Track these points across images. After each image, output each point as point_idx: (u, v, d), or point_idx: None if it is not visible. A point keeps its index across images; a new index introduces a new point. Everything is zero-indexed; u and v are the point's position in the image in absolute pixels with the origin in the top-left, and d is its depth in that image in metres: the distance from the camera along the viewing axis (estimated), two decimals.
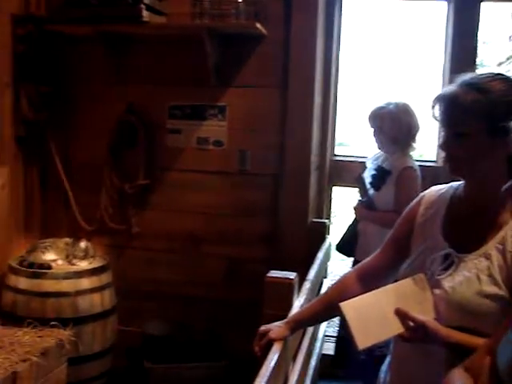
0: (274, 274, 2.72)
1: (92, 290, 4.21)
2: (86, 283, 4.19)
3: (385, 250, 2.15)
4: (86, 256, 4.38)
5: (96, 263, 4.39)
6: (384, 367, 2.20)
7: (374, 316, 1.86)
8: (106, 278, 4.36)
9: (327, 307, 2.22)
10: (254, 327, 2.37)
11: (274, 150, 4.43)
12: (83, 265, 4.31)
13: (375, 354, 3.35)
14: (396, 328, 1.82)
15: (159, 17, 4.35)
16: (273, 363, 2.02)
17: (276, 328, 2.27)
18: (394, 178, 3.83)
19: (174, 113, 4.60)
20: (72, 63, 4.76)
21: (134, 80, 4.66)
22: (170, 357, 4.29)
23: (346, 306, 1.87)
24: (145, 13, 4.17)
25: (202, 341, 4.51)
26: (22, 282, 4.11)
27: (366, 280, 2.14)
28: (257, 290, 4.12)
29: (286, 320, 2.33)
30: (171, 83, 4.59)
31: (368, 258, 2.20)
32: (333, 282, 2.34)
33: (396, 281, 1.99)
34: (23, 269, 4.16)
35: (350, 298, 1.92)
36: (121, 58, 4.63)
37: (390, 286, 1.96)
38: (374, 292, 1.92)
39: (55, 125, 4.69)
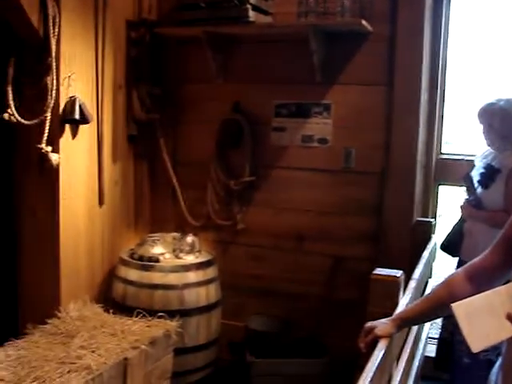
0: (380, 271, 2.70)
1: (198, 284, 4.33)
2: (192, 277, 4.32)
3: (495, 250, 2.08)
4: (192, 250, 4.51)
5: (202, 258, 4.51)
6: (495, 369, 2.14)
7: (486, 318, 1.80)
8: (211, 272, 4.47)
9: (435, 306, 2.18)
10: (356, 325, 2.37)
11: (380, 147, 4.38)
12: (190, 259, 4.45)
13: (480, 358, 3.25)
14: (510, 330, 1.77)
15: (265, 16, 4.42)
16: (378, 360, 2.01)
17: (382, 325, 2.25)
18: (503, 177, 3.69)
19: (280, 111, 4.65)
20: (180, 65, 4.92)
21: (240, 79, 4.76)
22: (272, 352, 4.34)
23: (458, 307, 1.83)
24: (251, 13, 4.25)
25: (303, 338, 4.54)
26: (132, 274, 4.30)
27: (475, 281, 2.08)
28: (360, 288, 4.11)
29: (392, 317, 2.31)
30: (277, 82, 4.64)
31: (477, 259, 2.14)
32: (439, 282, 2.29)
33: (508, 282, 1.93)
34: (133, 261, 4.35)
35: (459, 299, 1.87)
36: (227, 58, 4.74)
37: (502, 288, 1.89)
38: (485, 293, 1.86)
39: (164, 124, 4.86)
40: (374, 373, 1.89)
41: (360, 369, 1.94)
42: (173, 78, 4.92)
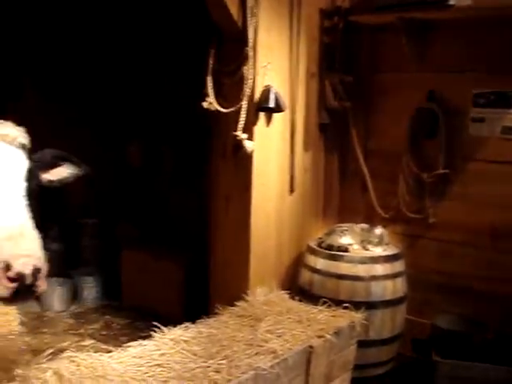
0: None
1: (385, 277, 4.24)
2: (379, 269, 4.24)
3: None
4: (380, 242, 4.43)
5: (390, 250, 4.42)
6: None
7: None
8: (398, 265, 4.36)
9: None
10: None
11: None
12: (378, 251, 4.37)
13: None
14: None
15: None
16: None
17: None
18: None
19: (478, 101, 4.38)
20: (373, 52, 4.84)
21: (436, 67, 4.56)
22: (460, 353, 4.13)
23: None
24: None
25: (495, 340, 4.26)
26: (320, 263, 4.32)
27: None
28: None
29: None
30: (476, 70, 4.38)
31: None
32: None
33: None
34: (321, 250, 4.36)
35: None
36: (423, 45, 4.55)
37: None
38: None
39: (355, 112, 4.81)
40: None
41: None
42: (365, 65, 4.86)
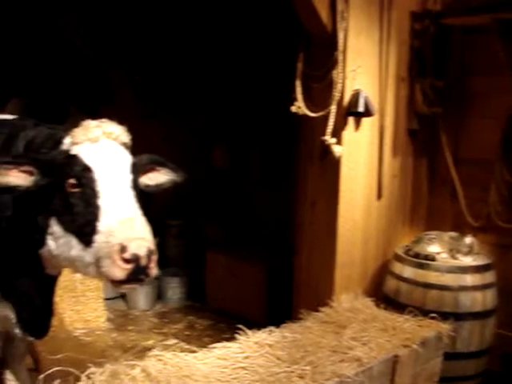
0: None
1: (474, 288, 4.10)
2: (469, 280, 4.10)
3: None
4: (470, 252, 4.28)
5: (480, 261, 4.27)
6: None
7: None
8: (489, 277, 4.21)
9: None
10: None
11: None
12: (467, 261, 4.23)
13: None
14: None
15: None
16: None
17: None
18: None
19: None
20: (465, 56, 4.70)
21: None
22: None
23: None
24: None
25: None
26: (407, 271, 4.22)
27: None
28: None
29: None
30: None
31: None
32: None
33: None
34: (408, 258, 4.26)
35: None
36: None
37: None
38: None
39: (447, 118, 4.68)
40: None
41: None
42: (457, 69, 4.71)
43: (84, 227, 2.56)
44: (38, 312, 3.23)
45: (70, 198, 2.61)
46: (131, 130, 2.85)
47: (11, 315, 3.21)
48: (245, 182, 6.56)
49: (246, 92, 6.39)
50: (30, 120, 3.17)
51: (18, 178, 2.68)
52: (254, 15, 5.84)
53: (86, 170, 2.60)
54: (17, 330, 3.26)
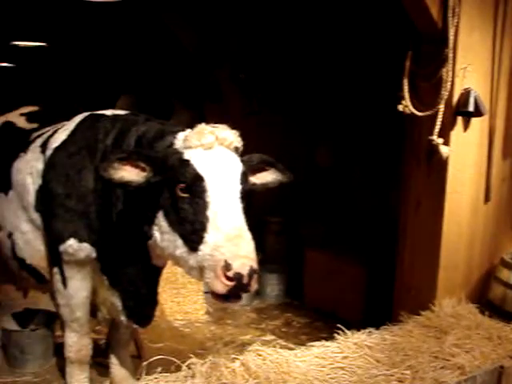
0: None
1: None
2: None
3: None
4: None
5: None
6: None
7: None
8: None
9: None
10: None
11: None
12: None
13: None
14: None
15: None
16: None
17: None
18: None
19: None
20: None
21: None
22: None
23: None
24: None
25: None
26: None
27: None
28: None
29: None
30: None
31: None
32: None
33: None
34: None
35: None
36: None
37: None
38: None
39: None
40: None
41: None
42: None
43: (191, 234, 2.64)
44: (143, 301, 3.36)
45: (179, 201, 2.69)
46: (234, 126, 2.89)
47: (118, 303, 3.35)
48: (347, 181, 6.49)
49: (352, 91, 6.32)
50: (142, 115, 3.28)
51: (131, 173, 2.78)
52: (361, 13, 5.77)
53: (198, 178, 2.66)
54: (122, 318, 3.40)
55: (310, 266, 6.07)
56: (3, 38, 9.21)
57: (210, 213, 2.60)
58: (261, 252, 2.72)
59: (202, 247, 2.57)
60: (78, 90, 11.60)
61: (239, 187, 2.70)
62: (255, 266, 2.48)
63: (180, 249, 2.71)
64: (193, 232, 2.63)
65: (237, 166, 2.76)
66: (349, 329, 3.45)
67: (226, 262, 2.45)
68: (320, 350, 3.20)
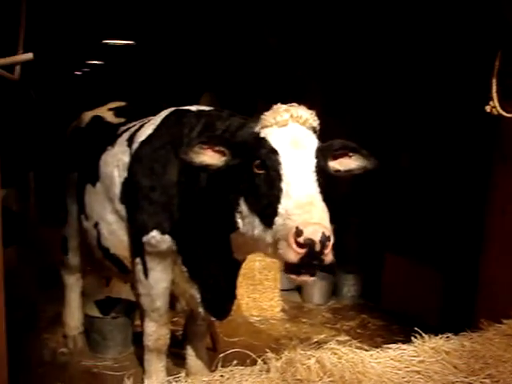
0: None
1: None
2: None
3: None
4: None
5: None
6: None
7: None
8: None
9: None
10: None
11: None
12: None
13: None
14: None
15: None
16: None
17: None
18: None
19: None
20: None
21: None
22: None
23: None
24: None
25: None
26: None
27: None
28: None
29: None
30: None
31: None
32: None
33: None
34: None
35: None
36: None
37: None
38: None
39: None
40: None
41: None
42: None
43: (266, 208, 2.64)
44: (221, 294, 3.41)
45: (256, 178, 2.72)
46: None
47: (197, 295, 3.42)
48: (428, 185, 6.33)
49: (436, 94, 6.17)
50: (225, 111, 3.33)
51: (211, 157, 2.84)
52: (445, 13, 5.62)
53: (272, 152, 2.68)
54: (200, 310, 3.46)
55: (389, 268, 5.99)
56: (94, 37, 9.54)
57: (283, 184, 2.59)
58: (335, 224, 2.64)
59: (276, 219, 2.56)
60: (162, 86, 11.87)
61: (313, 161, 2.68)
62: (328, 233, 2.39)
63: (257, 228, 2.71)
64: (268, 206, 2.63)
65: (311, 141, 2.75)
66: (425, 333, 3.38)
67: (297, 228, 2.40)
68: (396, 352, 3.13)
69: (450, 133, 5.99)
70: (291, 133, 2.73)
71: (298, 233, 2.39)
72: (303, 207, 2.48)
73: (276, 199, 2.58)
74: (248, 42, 8.07)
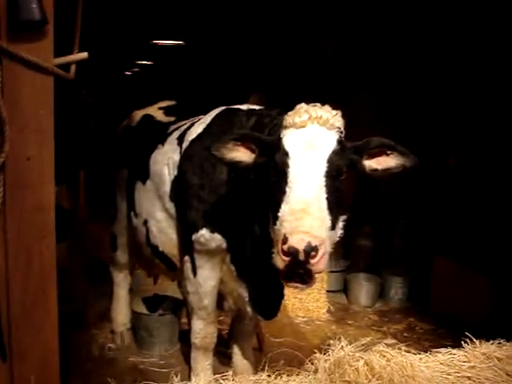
0: None
1: None
2: None
3: None
4: None
5: None
6: None
7: None
8: None
9: None
10: None
11: None
12: None
13: None
14: None
15: None
16: None
17: None
18: None
19: None
20: None
21: None
22: None
23: None
24: None
25: None
26: None
27: None
28: None
29: None
30: None
31: None
32: None
33: None
34: None
35: None
36: None
37: None
38: None
39: None
40: None
41: None
42: None
43: (272, 210, 2.66)
44: (269, 294, 3.40)
45: (270, 179, 2.73)
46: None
47: (245, 294, 3.42)
48: (476, 188, 6.20)
49: (480, 97, 6.06)
50: (275, 110, 3.32)
51: (243, 154, 2.85)
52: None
53: (285, 154, 2.65)
54: (248, 309, 3.46)
55: (438, 272, 5.90)
56: (144, 38, 9.65)
57: (287, 188, 2.57)
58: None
59: (276, 222, 2.57)
60: (211, 86, 11.94)
61: (325, 164, 2.62)
62: (316, 243, 2.36)
63: (271, 227, 2.72)
64: (273, 207, 2.64)
65: (328, 143, 2.67)
66: (474, 338, 3.31)
67: (284, 235, 2.39)
68: (446, 356, 3.07)
69: (499, 133, 5.87)
70: (307, 134, 2.68)
71: (284, 240, 2.39)
72: (295, 214, 2.46)
73: (279, 202, 2.58)
74: (301, 44, 8.05)
